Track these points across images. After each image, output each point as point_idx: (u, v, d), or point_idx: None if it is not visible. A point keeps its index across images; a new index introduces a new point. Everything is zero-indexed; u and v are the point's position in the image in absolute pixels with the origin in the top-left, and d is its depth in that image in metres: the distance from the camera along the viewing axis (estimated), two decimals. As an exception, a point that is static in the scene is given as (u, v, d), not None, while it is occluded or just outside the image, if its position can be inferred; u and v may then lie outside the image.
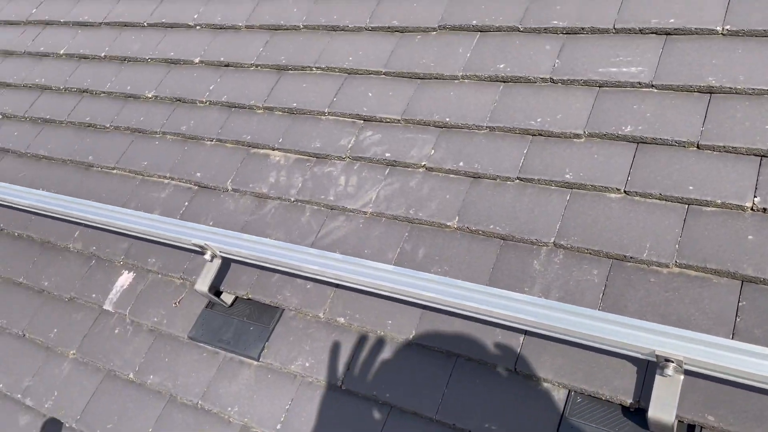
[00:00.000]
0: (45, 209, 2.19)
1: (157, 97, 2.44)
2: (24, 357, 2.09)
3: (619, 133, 1.62)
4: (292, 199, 1.97)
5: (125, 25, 2.74)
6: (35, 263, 2.26)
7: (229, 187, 2.09)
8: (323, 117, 2.09)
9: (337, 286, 1.75)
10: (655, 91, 1.64)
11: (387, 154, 1.90)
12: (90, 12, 2.87)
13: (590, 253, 1.51)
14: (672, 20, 1.69)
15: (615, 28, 1.76)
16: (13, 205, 2.29)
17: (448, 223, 1.71)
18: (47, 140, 2.55)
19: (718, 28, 1.63)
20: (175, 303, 1.95)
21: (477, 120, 1.83)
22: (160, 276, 2.04)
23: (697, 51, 1.63)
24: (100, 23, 2.81)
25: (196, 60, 2.45)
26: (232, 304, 1.90)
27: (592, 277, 1.48)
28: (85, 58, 2.73)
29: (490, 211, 1.68)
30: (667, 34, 1.69)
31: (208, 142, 2.24)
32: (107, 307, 2.04)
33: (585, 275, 1.49)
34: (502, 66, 1.88)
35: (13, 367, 2.09)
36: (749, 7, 1.63)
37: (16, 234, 2.37)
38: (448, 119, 1.87)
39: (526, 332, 1.48)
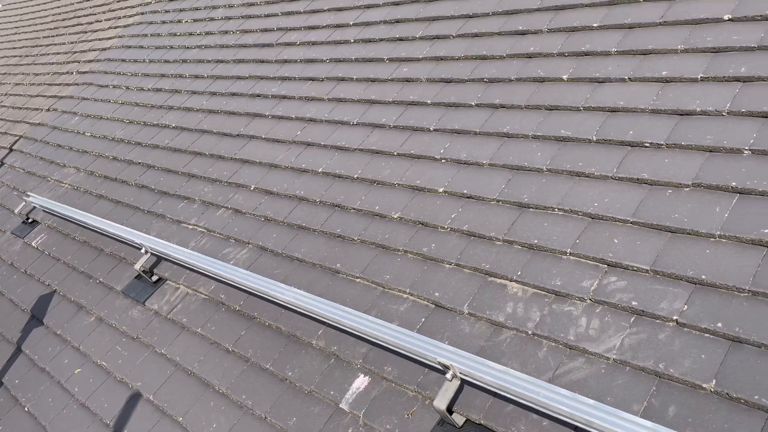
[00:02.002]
0: (296, 305, 2.49)
1: (402, 218, 2.71)
2: (261, 438, 2.31)
3: None
4: (529, 332, 2.04)
5: (377, 152, 3.13)
6: (281, 353, 2.54)
7: (466, 311, 2.23)
8: (564, 256, 2.18)
9: (576, 429, 1.75)
10: None
11: (634, 303, 1.93)
12: (347, 138, 3.32)
13: None
14: None
15: None
16: (269, 298, 2.63)
17: (704, 385, 1.66)
18: (301, 245, 2.92)
19: None
20: (408, 414, 2.07)
21: (738, 282, 1.80)
22: (394, 385, 2.18)
23: None
24: (355, 149, 3.23)
25: (440, 189, 2.71)
26: (463, 425, 1.97)
27: None
28: (339, 177, 3.14)
29: (754, 380, 1.61)
30: None
31: (447, 266, 2.42)
32: (343, 405, 2.22)
33: None
34: (766, 231, 1.85)
35: (251, 446, 2.31)
36: None
37: (267, 324, 2.69)
38: (703, 276, 1.86)
39: None
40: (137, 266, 3.26)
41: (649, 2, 2.78)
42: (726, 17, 2.48)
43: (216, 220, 3.38)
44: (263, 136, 3.72)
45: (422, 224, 2.64)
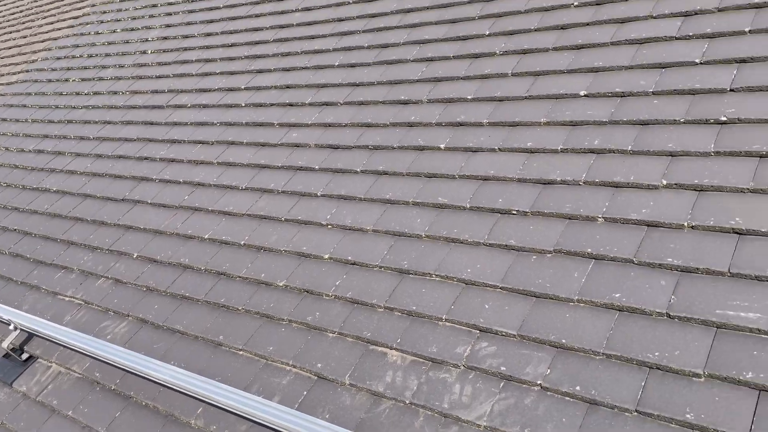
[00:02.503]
0: (174, 384, 2.39)
1: (287, 286, 2.70)
2: None
3: (741, 378, 1.65)
4: (407, 402, 2.07)
5: (264, 218, 3.12)
6: (158, 434, 2.41)
7: (347, 381, 2.23)
8: (440, 322, 2.24)
9: None
10: (776, 339, 1.69)
11: (502, 368, 2.00)
12: (235, 203, 3.30)
13: (717, 503, 1.49)
14: (789, 271, 1.78)
15: (730, 272, 1.87)
16: (147, 377, 2.51)
17: (565, 449, 1.74)
18: (183, 316, 2.83)
19: (837, 284, 1.70)
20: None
21: (593, 345, 1.92)
22: (273, 463, 2.13)
23: (817, 304, 1.70)
24: (243, 214, 3.20)
25: (326, 256, 2.73)
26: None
27: None
28: (226, 244, 3.09)
29: (608, 441, 1.70)
30: (785, 284, 1.78)
31: (331, 335, 2.42)
32: (220, 489, 2.13)
33: None
34: (617, 295, 2.00)
35: None
36: None
37: (144, 403, 2.56)
38: (564, 340, 1.97)
39: None
40: (5, 344, 3.03)
41: (517, 77, 3.00)
42: (582, 93, 2.71)
43: (95, 291, 3.22)
44: (149, 201, 3.62)
45: (308, 292, 2.63)
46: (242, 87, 4.15)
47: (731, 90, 2.35)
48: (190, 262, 3.09)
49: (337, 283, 2.59)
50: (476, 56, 3.25)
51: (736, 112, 2.26)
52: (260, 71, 4.21)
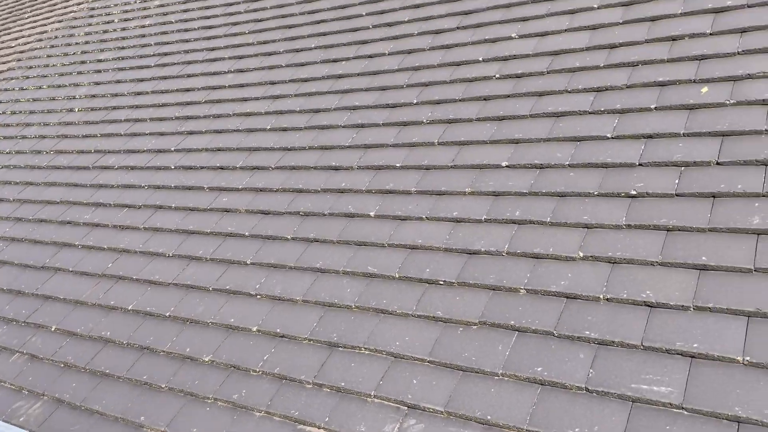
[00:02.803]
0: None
1: (213, 361, 2.62)
2: None
3: (656, 453, 1.70)
4: (335, 485, 2.02)
5: (192, 287, 3.05)
6: None
7: (274, 464, 2.16)
8: (369, 399, 2.22)
9: None
10: (686, 413, 1.76)
11: (430, 447, 1.99)
12: (161, 271, 3.21)
13: None
14: (695, 345, 1.87)
15: (643, 345, 1.94)
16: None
17: None
18: (103, 395, 2.70)
19: (738, 358, 1.80)
20: None
21: (517, 421, 1.94)
22: None
23: (721, 377, 1.78)
24: (169, 283, 3.12)
25: (254, 328, 2.68)
26: None
27: None
28: (150, 315, 2.99)
29: None
30: (692, 357, 1.86)
31: (257, 414, 2.36)
32: None
33: None
34: (539, 369, 2.04)
35: None
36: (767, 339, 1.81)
37: (57, 493, 2.41)
38: (489, 417, 1.99)
39: None
40: None
41: (443, 146, 3.09)
42: (504, 164, 2.81)
43: (8, 368, 3.04)
44: (71, 269, 3.48)
45: (234, 367, 2.57)
46: (172, 149, 4.10)
47: (640, 164, 2.49)
48: (111, 335, 2.96)
49: (265, 357, 2.53)
50: (404, 124, 3.34)
51: (644, 186, 2.39)
52: (191, 133, 4.17)
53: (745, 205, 2.17)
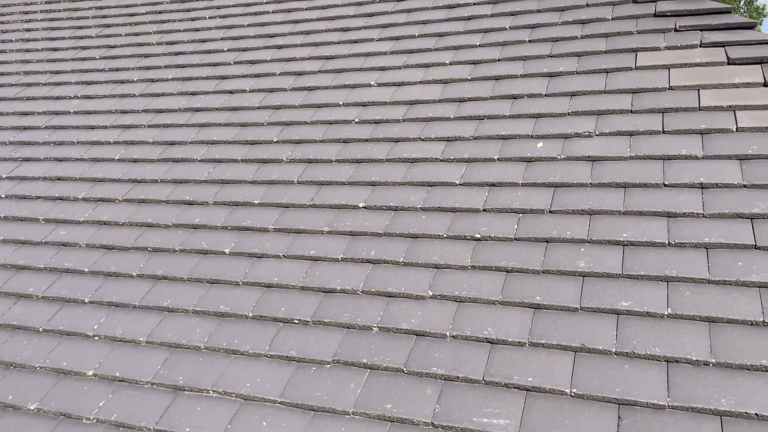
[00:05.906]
0: None
1: (40, 410, 2.37)
2: None
3: (494, 483, 1.79)
4: None
5: (19, 328, 2.75)
6: None
7: None
8: (216, 445, 2.12)
9: None
10: (522, 443, 1.88)
11: (278, 492, 1.94)
12: (-18, 311, 2.87)
13: None
14: (530, 379, 2.02)
15: (484, 380, 2.06)
16: None
17: None
18: None
19: (567, 390, 1.96)
20: None
21: (367, 460, 1.95)
22: None
23: (552, 409, 1.93)
24: (-9, 324, 2.79)
25: (90, 372, 2.47)
26: None
27: None
28: (-35, 361, 2.65)
29: None
30: (527, 390, 2.00)
31: (89, 467, 2.16)
32: None
33: None
34: (389, 406, 2.07)
35: None
36: (591, 372, 2.00)
37: None
38: (339, 457, 1.98)
39: None
40: None
41: (302, 185, 3.11)
42: (361, 205, 2.88)
43: None
44: None
45: (64, 415, 2.33)
46: (4, 176, 3.73)
47: (484, 210, 2.68)
48: None
49: (101, 404, 2.34)
50: (264, 161, 3.32)
51: (488, 231, 2.57)
52: (27, 159, 3.83)
53: (573, 250, 2.40)
